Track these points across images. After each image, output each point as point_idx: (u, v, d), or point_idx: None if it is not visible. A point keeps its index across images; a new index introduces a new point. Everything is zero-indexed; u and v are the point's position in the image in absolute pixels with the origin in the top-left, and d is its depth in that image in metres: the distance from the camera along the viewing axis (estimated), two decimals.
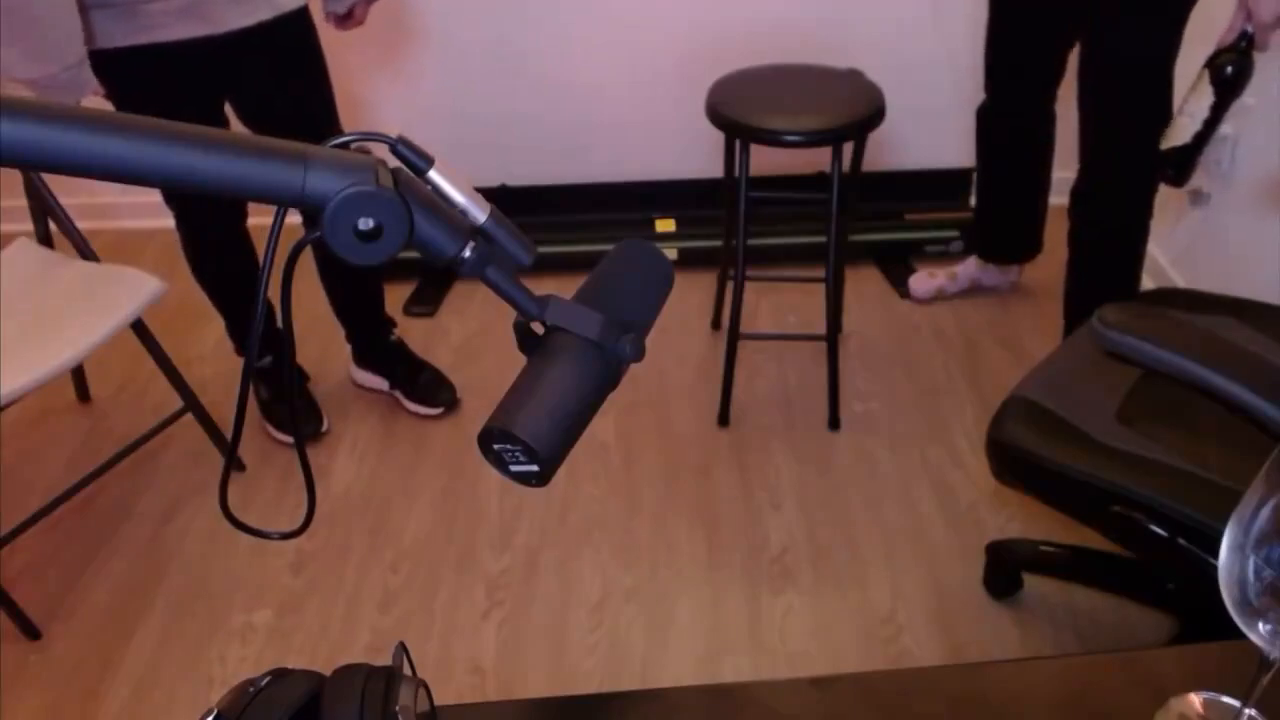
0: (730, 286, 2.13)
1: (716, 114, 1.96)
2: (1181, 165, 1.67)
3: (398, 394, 2.27)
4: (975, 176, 2.43)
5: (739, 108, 1.96)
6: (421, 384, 2.25)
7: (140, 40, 1.63)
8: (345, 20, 1.90)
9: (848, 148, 2.02)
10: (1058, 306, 2.14)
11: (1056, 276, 2.14)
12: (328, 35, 1.89)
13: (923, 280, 2.55)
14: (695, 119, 2.05)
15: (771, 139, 1.90)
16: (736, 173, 1.99)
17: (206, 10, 1.65)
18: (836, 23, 2.60)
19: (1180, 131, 1.66)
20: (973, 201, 2.59)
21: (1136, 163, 1.86)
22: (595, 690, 1.49)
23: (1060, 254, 2.10)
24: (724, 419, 2.20)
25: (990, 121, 2.25)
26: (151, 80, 1.69)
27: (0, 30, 1.49)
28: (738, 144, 1.97)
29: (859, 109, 1.95)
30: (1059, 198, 2.13)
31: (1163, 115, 1.75)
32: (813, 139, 1.90)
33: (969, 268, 2.52)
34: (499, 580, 1.86)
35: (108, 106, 1.68)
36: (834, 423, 2.16)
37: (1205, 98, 1.62)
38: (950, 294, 2.54)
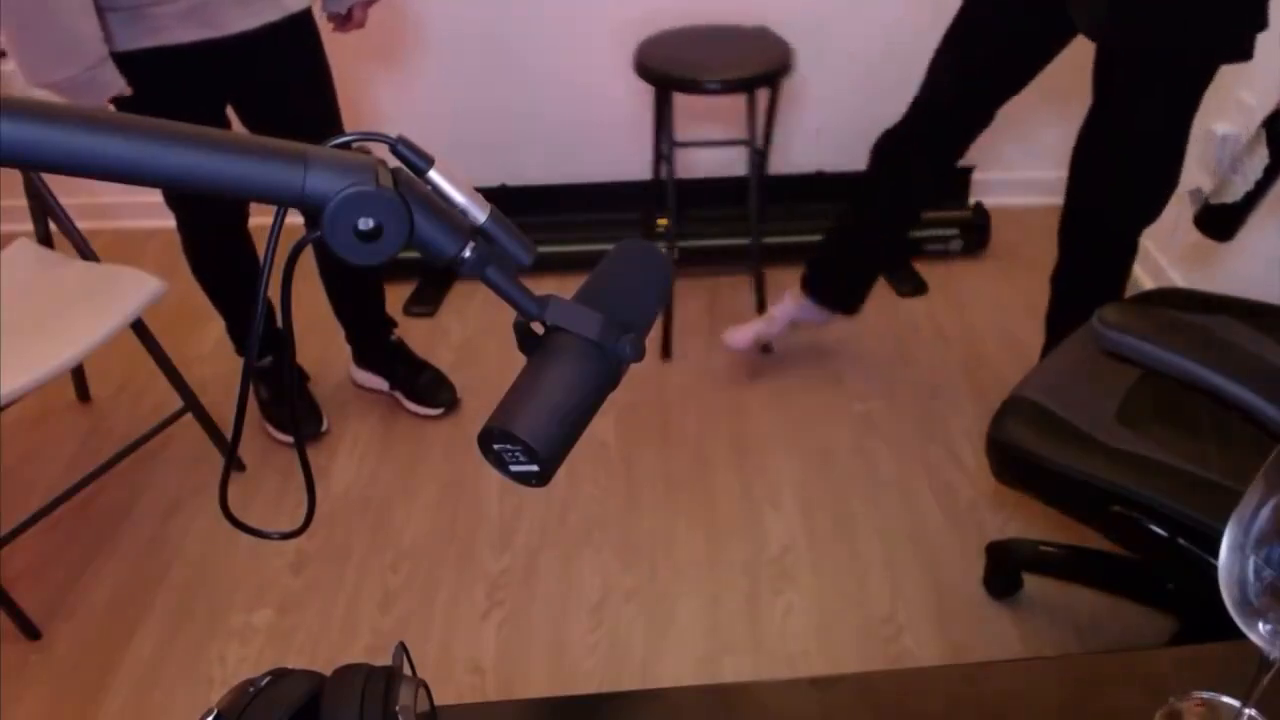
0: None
1: (644, 67, 2.15)
2: (1228, 223, 1.62)
3: (398, 394, 2.27)
4: (847, 208, 2.16)
5: (666, 63, 2.13)
6: (422, 384, 2.25)
7: (146, 43, 1.63)
8: (345, 22, 1.89)
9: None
10: None
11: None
12: (328, 37, 1.89)
13: (736, 333, 2.28)
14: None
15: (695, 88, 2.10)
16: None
17: (212, 13, 1.65)
18: (837, 22, 2.60)
19: (1231, 190, 1.60)
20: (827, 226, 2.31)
21: (1133, 224, 1.83)
22: (595, 690, 1.49)
23: (1052, 258, 2.09)
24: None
25: (895, 155, 2.03)
26: (156, 83, 1.68)
27: (23, 35, 1.50)
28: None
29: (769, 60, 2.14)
30: (1046, 198, 2.12)
31: (1169, 184, 1.73)
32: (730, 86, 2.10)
33: (785, 306, 2.24)
34: (499, 580, 1.86)
35: (109, 107, 1.68)
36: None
37: (1260, 158, 1.57)
38: (771, 336, 2.29)
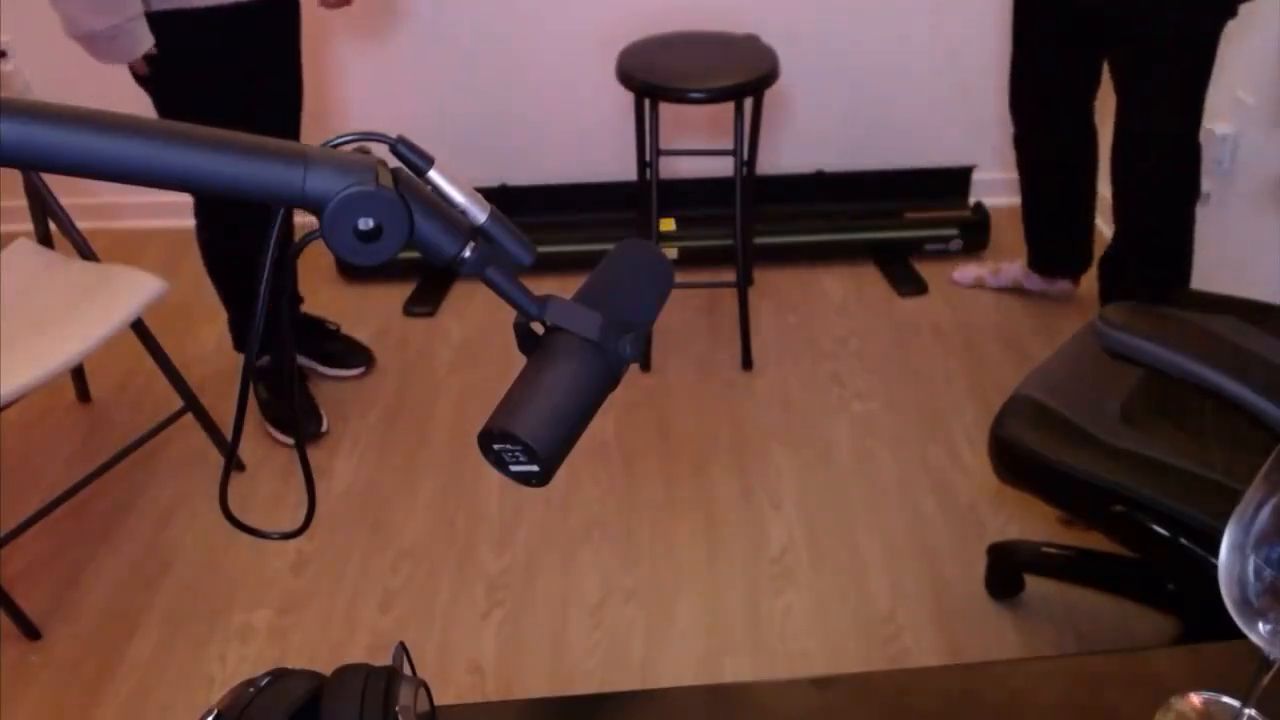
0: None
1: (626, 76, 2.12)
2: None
3: (313, 363, 2.29)
4: (1020, 190, 2.37)
5: (647, 71, 2.11)
6: (333, 350, 2.30)
7: (180, 4, 1.67)
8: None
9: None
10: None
11: None
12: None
13: (966, 269, 2.59)
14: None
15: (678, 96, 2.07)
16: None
17: None
18: (837, 22, 2.60)
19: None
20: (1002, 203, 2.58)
21: (1169, 229, 1.87)
22: (595, 690, 1.49)
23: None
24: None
25: (1027, 144, 2.23)
26: (195, 43, 1.73)
27: None
28: (646, 103, 2.12)
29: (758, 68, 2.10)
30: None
31: (1193, 182, 1.83)
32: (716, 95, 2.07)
33: (1014, 268, 2.49)
34: (499, 580, 1.86)
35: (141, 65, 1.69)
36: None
37: None
38: (990, 286, 2.54)
